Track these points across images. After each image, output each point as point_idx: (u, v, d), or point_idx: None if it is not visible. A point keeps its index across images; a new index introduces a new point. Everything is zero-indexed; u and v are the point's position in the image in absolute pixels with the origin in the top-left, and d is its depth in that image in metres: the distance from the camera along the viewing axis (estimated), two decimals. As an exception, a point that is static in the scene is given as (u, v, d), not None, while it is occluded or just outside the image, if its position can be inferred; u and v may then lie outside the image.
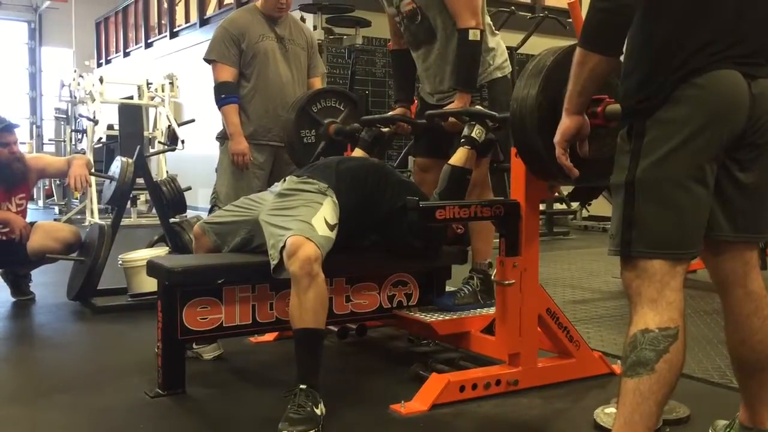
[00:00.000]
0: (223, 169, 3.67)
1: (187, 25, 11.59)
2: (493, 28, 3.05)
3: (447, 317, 2.81)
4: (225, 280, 2.56)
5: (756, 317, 1.76)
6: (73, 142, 11.26)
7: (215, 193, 3.68)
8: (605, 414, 2.25)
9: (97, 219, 7.97)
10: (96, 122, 9.12)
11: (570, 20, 4.76)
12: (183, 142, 8.27)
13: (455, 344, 2.94)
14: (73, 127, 11.35)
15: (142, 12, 13.33)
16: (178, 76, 10.31)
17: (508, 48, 3.42)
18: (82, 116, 10.24)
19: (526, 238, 2.51)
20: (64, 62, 16.36)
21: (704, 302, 4.00)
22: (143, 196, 9.26)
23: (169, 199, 4.08)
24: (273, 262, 2.38)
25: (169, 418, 2.40)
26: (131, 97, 10.55)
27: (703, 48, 1.59)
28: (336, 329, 3.13)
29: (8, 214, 4.01)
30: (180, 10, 12.06)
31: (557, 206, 8.17)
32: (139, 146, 4.76)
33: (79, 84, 10.14)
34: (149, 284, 3.59)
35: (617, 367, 2.69)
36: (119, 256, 3.98)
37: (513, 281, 2.49)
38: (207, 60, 3.61)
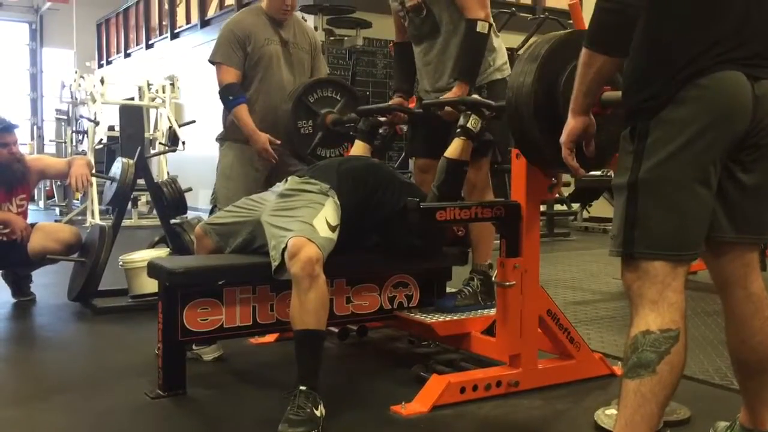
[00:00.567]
0: (222, 171, 3.65)
1: (188, 26, 11.60)
2: (496, 29, 3.05)
3: (447, 318, 2.81)
4: (225, 281, 2.56)
5: (756, 318, 1.76)
6: (74, 143, 11.27)
7: (215, 194, 3.68)
8: (606, 415, 2.25)
9: (97, 220, 7.97)
10: (97, 123, 9.12)
11: (571, 21, 4.76)
12: (184, 143, 8.28)
13: (456, 345, 2.93)
14: (74, 128, 11.35)
15: (143, 13, 13.34)
16: (179, 77, 10.31)
17: (509, 49, 3.43)
18: (83, 117, 10.26)
19: (527, 239, 2.51)
20: (65, 63, 16.37)
21: (705, 303, 4.00)
22: (144, 197, 9.26)
23: (170, 200, 4.08)
24: (274, 263, 2.38)
25: (170, 419, 2.40)
26: (132, 98, 10.56)
27: (707, 49, 1.59)
28: (337, 330, 3.13)
29: (9, 215, 4.01)
30: (181, 11, 12.07)
31: (558, 207, 8.17)
32: (139, 147, 4.77)
33: (80, 85, 10.15)
34: (150, 285, 3.59)
35: (618, 369, 2.69)
36: (120, 257, 3.98)
37: (514, 282, 2.49)
38: (212, 61, 3.59)
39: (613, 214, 1.72)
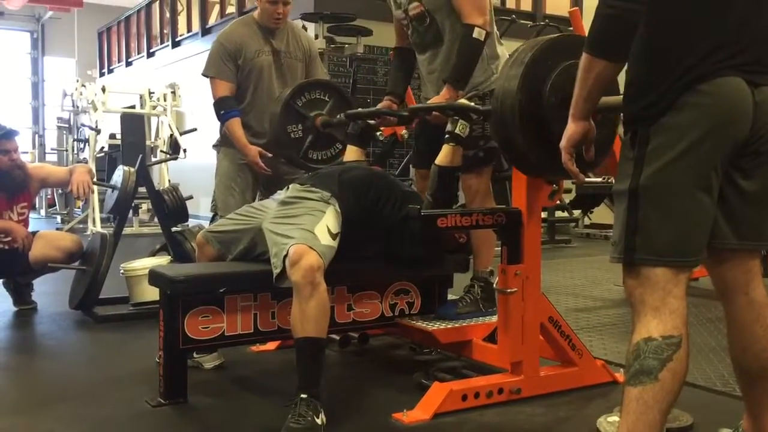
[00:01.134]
0: (219, 177, 3.66)
1: (189, 34, 11.63)
2: (499, 38, 3.04)
3: (449, 326, 2.80)
4: (227, 289, 2.56)
5: (758, 325, 1.76)
6: (76, 152, 11.28)
7: (214, 201, 3.69)
8: (608, 422, 2.24)
9: (99, 228, 7.97)
10: (98, 131, 9.13)
11: (571, 29, 4.77)
12: (185, 151, 8.28)
13: (457, 353, 2.93)
14: (76, 137, 11.37)
15: (144, 22, 13.38)
16: (180, 86, 10.33)
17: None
18: (85, 125, 10.26)
19: (528, 246, 2.51)
20: (66, 72, 16.41)
21: (707, 310, 3.99)
22: (145, 205, 9.27)
23: (171, 207, 4.08)
24: (275, 271, 2.38)
25: (171, 428, 2.39)
26: (133, 107, 10.58)
27: (707, 55, 1.59)
28: (338, 338, 3.12)
29: (10, 224, 4.01)
30: (182, 19, 12.10)
31: (559, 214, 8.17)
32: (141, 155, 4.76)
33: (81, 93, 10.17)
34: (151, 293, 3.59)
35: (620, 376, 2.68)
36: (121, 265, 3.98)
37: (515, 289, 2.49)
38: (205, 75, 3.61)
39: (613, 220, 1.72)
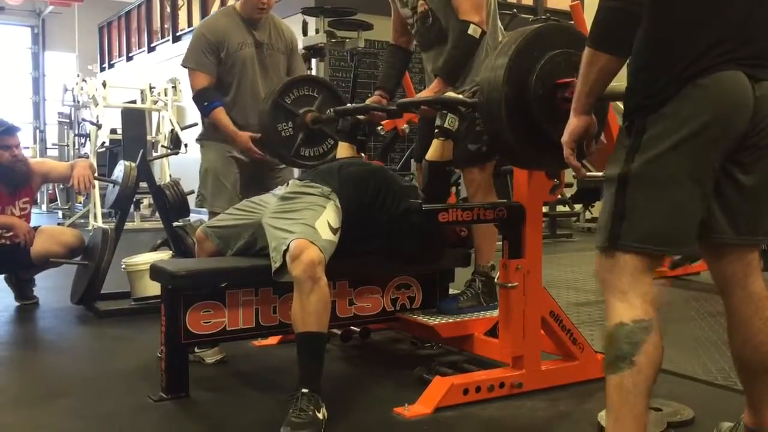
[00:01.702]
0: (204, 171, 3.60)
1: (190, 29, 11.58)
2: (504, 32, 3.02)
3: (450, 320, 2.81)
4: (228, 283, 2.56)
5: (757, 318, 1.76)
6: (77, 147, 11.28)
7: (200, 195, 3.60)
8: (609, 416, 2.24)
9: (100, 223, 7.97)
10: (99, 126, 9.13)
11: (572, 23, 4.76)
12: (186, 145, 8.27)
13: (459, 347, 2.93)
14: (77, 132, 11.37)
15: (144, 16, 13.35)
16: (180, 80, 10.32)
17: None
18: (86, 120, 10.26)
19: (529, 240, 2.51)
20: (67, 67, 16.40)
21: (708, 304, 3.99)
22: (146, 200, 9.27)
23: (172, 202, 4.09)
24: (275, 265, 2.38)
25: (173, 422, 2.40)
26: (134, 101, 10.57)
27: (709, 49, 1.59)
28: (339, 332, 3.12)
29: (12, 219, 4.02)
30: (182, 14, 12.08)
31: (560, 208, 8.17)
32: (142, 150, 4.76)
33: (82, 88, 10.16)
34: (152, 288, 3.59)
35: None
36: (122, 260, 3.98)
37: (516, 284, 2.49)
38: (184, 66, 3.55)
39: (601, 206, 1.72)
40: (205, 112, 3.50)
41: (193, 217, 4.36)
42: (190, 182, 5.27)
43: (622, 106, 1.78)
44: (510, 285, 2.49)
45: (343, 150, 3.11)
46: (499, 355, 2.65)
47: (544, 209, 5.77)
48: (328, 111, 3.25)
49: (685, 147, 1.58)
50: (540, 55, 2.14)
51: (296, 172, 3.76)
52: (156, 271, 2.60)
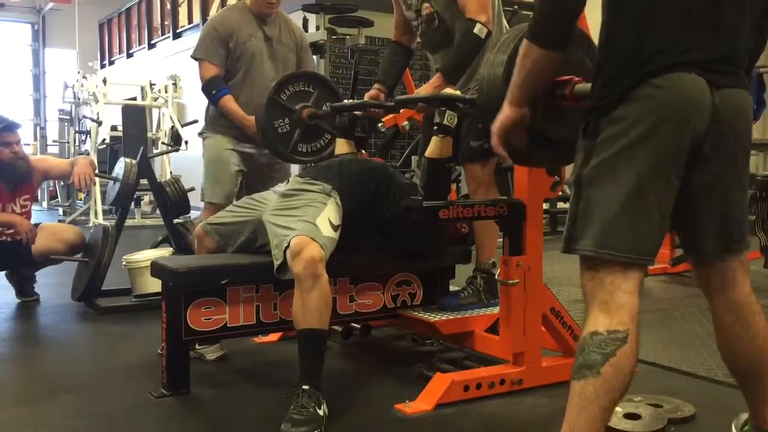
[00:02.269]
0: (206, 165, 3.61)
1: (190, 26, 11.59)
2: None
3: (451, 317, 2.81)
4: (229, 280, 2.56)
5: (738, 325, 1.73)
6: (77, 144, 11.28)
7: (204, 190, 3.62)
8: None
9: (101, 220, 7.98)
10: (99, 123, 9.13)
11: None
12: (186, 142, 8.28)
13: (459, 344, 2.93)
14: (77, 129, 11.36)
15: (145, 13, 13.34)
16: (181, 77, 10.31)
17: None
18: (86, 117, 10.26)
19: (530, 237, 2.51)
20: (67, 64, 16.38)
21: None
22: (147, 197, 9.27)
23: (173, 199, 4.09)
24: (276, 263, 2.38)
25: (174, 419, 2.40)
26: (135, 98, 10.57)
27: (666, 49, 1.54)
28: (340, 329, 3.13)
29: (14, 217, 4.01)
30: (183, 11, 12.06)
31: (561, 205, 8.16)
32: (142, 147, 4.77)
33: (82, 85, 10.16)
34: (153, 285, 3.59)
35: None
36: (123, 257, 3.98)
37: (517, 280, 2.49)
38: (194, 57, 3.58)
39: None
40: (214, 100, 3.53)
41: (193, 214, 4.37)
42: (191, 179, 5.28)
43: None
44: (511, 282, 2.49)
45: (342, 146, 3.10)
46: (500, 351, 2.65)
47: (545, 206, 5.76)
48: (325, 106, 3.25)
49: (635, 149, 1.53)
50: None
51: (293, 169, 3.76)
52: (157, 268, 2.60)
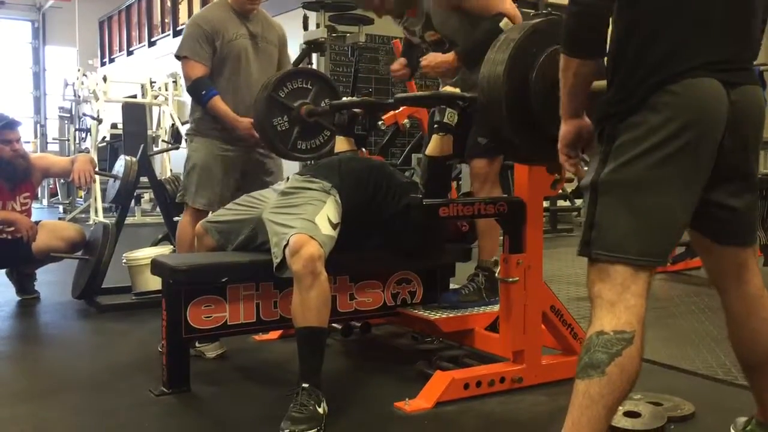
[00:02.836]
0: (191, 166, 3.51)
1: (191, 23, 11.58)
2: None
3: (451, 315, 2.81)
4: (229, 278, 2.56)
5: (752, 318, 1.74)
6: (77, 141, 11.29)
7: (183, 189, 3.53)
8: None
9: (101, 218, 7.99)
10: (100, 121, 9.14)
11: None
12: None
13: (459, 342, 2.93)
14: (77, 126, 11.38)
15: (145, 11, 13.35)
16: (181, 75, 10.31)
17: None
18: (86, 115, 10.26)
19: (530, 235, 2.51)
20: (67, 61, 16.39)
21: (709, 299, 4.00)
22: (147, 195, 9.28)
23: (173, 197, 4.08)
24: (276, 261, 2.38)
25: (174, 416, 2.40)
26: (135, 96, 10.58)
27: (679, 51, 1.55)
28: (340, 327, 3.13)
29: (14, 215, 4.01)
30: (183, 8, 12.07)
31: (561, 203, 8.17)
32: (142, 145, 4.77)
33: (82, 83, 10.18)
34: (153, 283, 3.60)
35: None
36: (123, 255, 3.99)
37: (517, 278, 2.49)
38: (178, 56, 3.50)
39: None
40: (203, 102, 3.45)
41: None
42: (191, 177, 5.26)
43: None
44: (511, 280, 2.49)
45: (341, 144, 3.10)
46: (500, 349, 2.65)
47: (545, 204, 5.77)
48: (324, 103, 3.23)
49: (654, 155, 1.54)
50: (540, 51, 2.13)
51: (285, 167, 3.71)
52: (157, 266, 2.60)
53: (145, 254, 3.88)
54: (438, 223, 2.76)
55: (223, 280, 2.55)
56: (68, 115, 11.99)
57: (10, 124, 4.07)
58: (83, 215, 9.10)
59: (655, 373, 2.72)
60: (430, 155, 2.56)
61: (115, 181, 4.19)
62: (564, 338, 2.65)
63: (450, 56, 2.78)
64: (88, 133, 9.99)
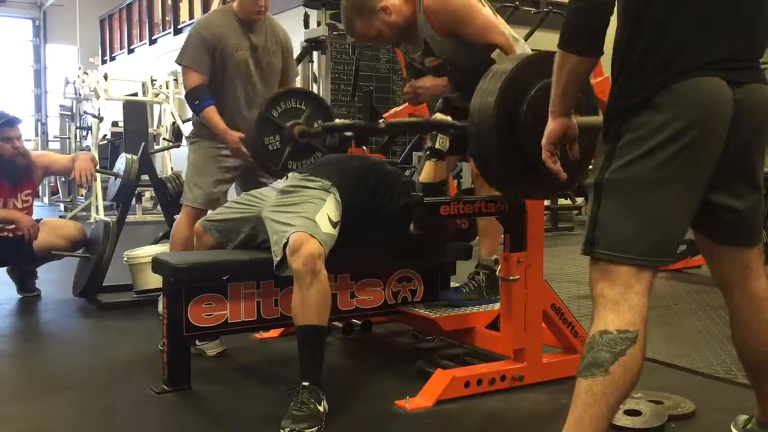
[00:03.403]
0: (191, 168, 3.53)
1: (191, 21, 11.59)
2: (515, 35, 2.94)
3: (452, 313, 2.81)
4: (230, 276, 2.56)
5: (757, 319, 1.74)
6: (78, 139, 11.30)
7: (185, 194, 3.53)
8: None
9: (102, 216, 7.99)
10: (101, 119, 9.15)
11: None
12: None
13: (460, 340, 2.93)
14: (78, 124, 11.39)
15: (146, 9, 13.35)
16: (181, 73, 10.32)
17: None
18: (87, 113, 10.27)
19: (531, 233, 2.51)
20: (68, 59, 16.42)
21: (710, 297, 4.00)
22: (148, 193, 9.29)
23: (174, 195, 4.09)
24: (276, 259, 2.38)
25: (175, 414, 2.41)
26: (136, 94, 10.58)
27: (684, 50, 1.55)
28: (341, 325, 3.13)
29: (16, 213, 4.01)
30: (184, 6, 12.08)
31: (562, 201, 8.16)
32: (143, 143, 4.77)
33: (83, 81, 10.17)
34: (154, 281, 3.60)
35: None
36: (124, 253, 3.99)
37: (518, 277, 2.49)
38: (178, 63, 3.51)
39: None
40: (197, 110, 3.46)
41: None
42: (192, 175, 5.26)
43: None
44: (512, 278, 2.49)
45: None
46: (501, 348, 2.65)
47: (546, 202, 5.76)
48: (316, 124, 3.21)
49: (659, 155, 1.54)
50: (531, 84, 2.11)
51: None
52: (158, 264, 2.61)
53: (146, 252, 3.88)
54: (437, 222, 2.76)
55: (224, 278, 2.55)
56: (69, 113, 12.01)
57: (11, 122, 4.08)
58: (84, 213, 9.11)
59: (655, 372, 2.72)
60: (424, 182, 2.55)
61: (116, 179, 4.19)
62: (565, 337, 2.65)
63: (444, 80, 2.76)
64: (89, 131, 10.01)
